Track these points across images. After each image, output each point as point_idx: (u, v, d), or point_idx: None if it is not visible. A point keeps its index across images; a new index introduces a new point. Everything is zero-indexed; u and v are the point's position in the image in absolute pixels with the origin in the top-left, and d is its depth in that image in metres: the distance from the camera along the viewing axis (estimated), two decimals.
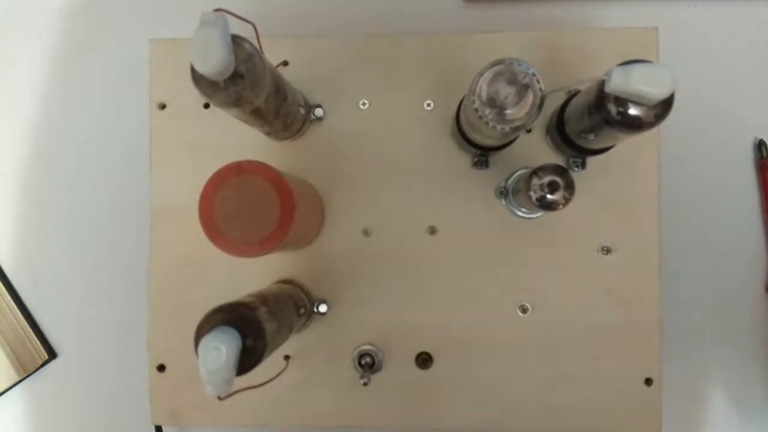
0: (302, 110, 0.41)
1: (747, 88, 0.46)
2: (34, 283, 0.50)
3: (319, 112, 0.42)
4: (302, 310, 0.39)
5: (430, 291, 0.42)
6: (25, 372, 0.48)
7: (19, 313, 0.48)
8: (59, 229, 0.50)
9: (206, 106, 0.43)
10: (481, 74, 0.31)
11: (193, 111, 0.43)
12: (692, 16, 0.47)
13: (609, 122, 0.32)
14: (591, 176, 0.41)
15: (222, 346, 0.27)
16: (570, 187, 0.34)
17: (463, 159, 0.42)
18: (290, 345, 0.42)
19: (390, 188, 0.43)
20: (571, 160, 0.41)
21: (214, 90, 0.30)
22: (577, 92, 0.38)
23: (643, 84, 0.29)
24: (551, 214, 0.41)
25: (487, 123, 0.31)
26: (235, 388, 0.28)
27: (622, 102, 0.31)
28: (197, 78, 0.30)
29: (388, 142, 0.43)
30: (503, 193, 0.42)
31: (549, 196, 0.34)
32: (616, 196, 0.42)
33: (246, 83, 0.30)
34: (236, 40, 0.30)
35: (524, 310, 0.42)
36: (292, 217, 0.33)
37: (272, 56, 0.36)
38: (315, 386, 0.42)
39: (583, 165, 0.41)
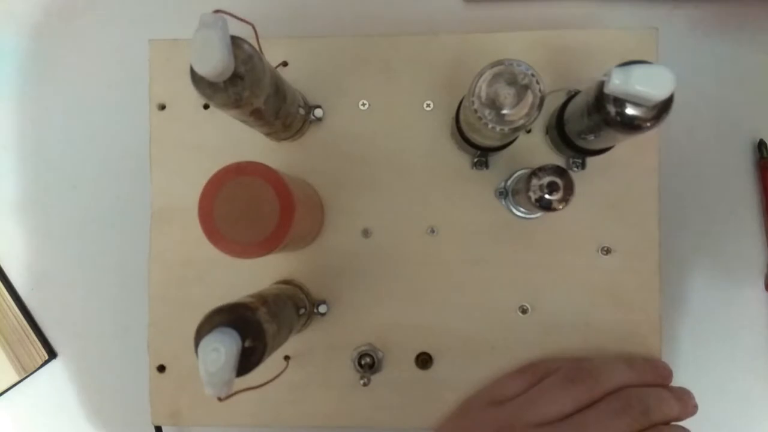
0: (302, 111, 0.41)
1: (747, 88, 0.46)
2: (34, 283, 0.50)
3: (318, 112, 0.42)
4: (302, 311, 0.39)
5: (430, 291, 0.42)
6: (25, 372, 0.48)
7: (19, 313, 0.48)
8: (59, 229, 0.50)
9: (206, 106, 0.43)
10: (480, 75, 0.31)
11: (192, 111, 0.43)
12: (692, 16, 0.47)
13: (608, 123, 0.32)
14: (591, 176, 0.41)
15: (222, 347, 0.27)
16: (569, 187, 0.34)
17: (462, 159, 0.42)
18: (290, 345, 0.42)
19: (390, 188, 0.43)
20: (571, 160, 0.41)
21: (213, 91, 0.30)
22: (576, 93, 0.38)
23: (642, 85, 0.29)
24: (551, 215, 0.41)
25: (486, 124, 0.31)
26: (235, 388, 0.28)
27: (621, 103, 0.31)
28: (197, 79, 0.30)
29: (388, 142, 0.43)
30: (503, 193, 0.42)
31: (548, 197, 0.34)
32: (616, 196, 0.42)
33: (246, 84, 0.30)
34: (236, 41, 0.30)
35: (524, 311, 0.42)
36: (291, 218, 0.33)
37: (272, 57, 0.36)
38: (315, 386, 0.43)
39: (583, 165, 0.41)
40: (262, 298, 0.33)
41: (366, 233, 0.43)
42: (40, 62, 0.50)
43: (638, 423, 0.36)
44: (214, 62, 0.27)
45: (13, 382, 0.48)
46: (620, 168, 0.42)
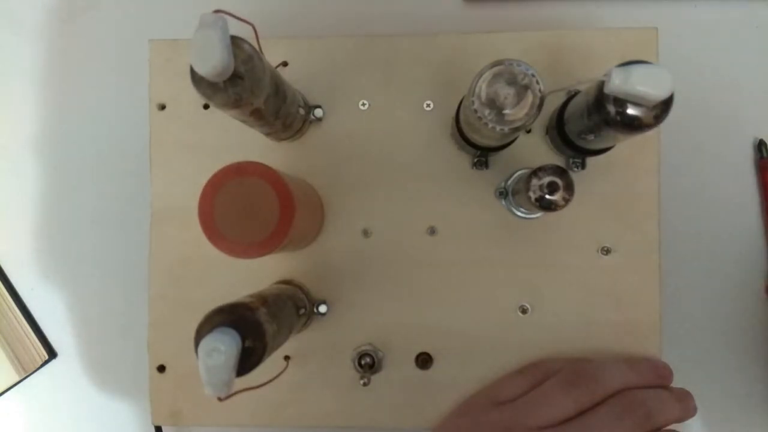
0: (302, 111, 0.41)
1: (747, 88, 0.46)
2: (34, 283, 0.50)
3: (318, 112, 0.42)
4: (302, 311, 0.39)
5: (430, 291, 0.42)
6: (25, 372, 0.48)
7: (19, 313, 0.48)
8: (59, 229, 0.50)
9: (206, 106, 0.43)
10: (480, 75, 0.31)
11: (192, 111, 0.43)
12: (692, 16, 0.47)
13: (608, 123, 0.32)
14: (591, 177, 0.41)
15: (222, 347, 0.27)
16: (569, 187, 0.34)
17: (462, 159, 0.42)
18: (290, 345, 0.42)
19: (390, 188, 0.43)
20: (571, 160, 0.41)
21: (213, 91, 0.30)
22: (576, 93, 0.38)
23: (642, 85, 0.29)
24: (551, 215, 0.40)
25: (486, 124, 0.31)
26: (235, 388, 0.28)
27: (621, 103, 0.31)
28: (197, 79, 0.30)
29: (388, 142, 0.43)
30: (503, 193, 0.42)
31: (548, 197, 0.34)
32: (616, 196, 0.42)
33: (245, 84, 0.30)
34: (236, 41, 0.30)
35: (524, 311, 0.42)
36: (291, 218, 0.33)
37: (272, 57, 0.36)
38: (315, 386, 0.43)
39: (583, 165, 0.41)
40: (262, 298, 0.33)
41: (366, 233, 0.43)
42: (39, 62, 0.50)
43: (640, 427, 0.36)
44: (214, 62, 0.27)
45: (13, 382, 0.48)
46: (620, 168, 0.42)
